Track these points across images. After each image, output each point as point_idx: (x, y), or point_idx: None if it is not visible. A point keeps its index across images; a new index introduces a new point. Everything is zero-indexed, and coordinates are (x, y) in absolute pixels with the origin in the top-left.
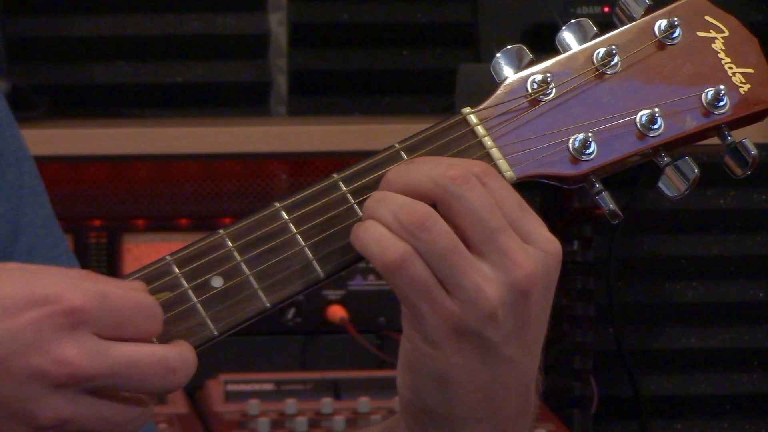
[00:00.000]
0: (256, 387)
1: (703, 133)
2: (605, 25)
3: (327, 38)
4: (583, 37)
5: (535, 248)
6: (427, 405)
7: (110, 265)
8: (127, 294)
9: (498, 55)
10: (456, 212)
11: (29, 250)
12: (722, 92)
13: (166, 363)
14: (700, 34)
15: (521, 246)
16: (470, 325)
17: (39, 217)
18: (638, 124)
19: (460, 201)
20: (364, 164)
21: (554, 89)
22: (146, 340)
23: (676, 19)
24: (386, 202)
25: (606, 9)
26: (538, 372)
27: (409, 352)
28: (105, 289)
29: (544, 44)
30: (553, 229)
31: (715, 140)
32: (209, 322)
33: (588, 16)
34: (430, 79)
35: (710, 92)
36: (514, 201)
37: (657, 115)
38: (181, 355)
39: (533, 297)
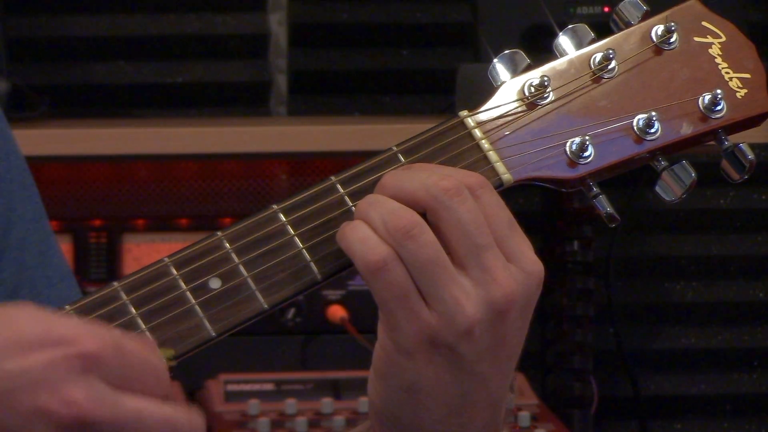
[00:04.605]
0: (256, 387)
1: (699, 138)
2: (605, 24)
3: (327, 38)
4: (579, 42)
5: (517, 268)
6: (396, 413)
7: (110, 265)
8: (142, 351)
9: (495, 60)
10: (444, 223)
11: (21, 244)
12: (719, 97)
13: (173, 424)
14: (697, 39)
15: (504, 265)
16: (445, 339)
17: (29, 211)
18: (635, 128)
19: (450, 212)
20: (361, 167)
21: (551, 93)
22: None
23: (673, 24)
24: (377, 205)
25: (606, 9)
26: (508, 391)
27: (382, 359)
28: (121, 341)
29: (544, 45)
30: (553, 229)
31: (713, 142)
32: (207, 323)
33: (588, 16)
34: (430, 79)
35: (707, 97)
36: (504, 218)
37: (654, 119)
38: (189, 420)
39: (510, 316)
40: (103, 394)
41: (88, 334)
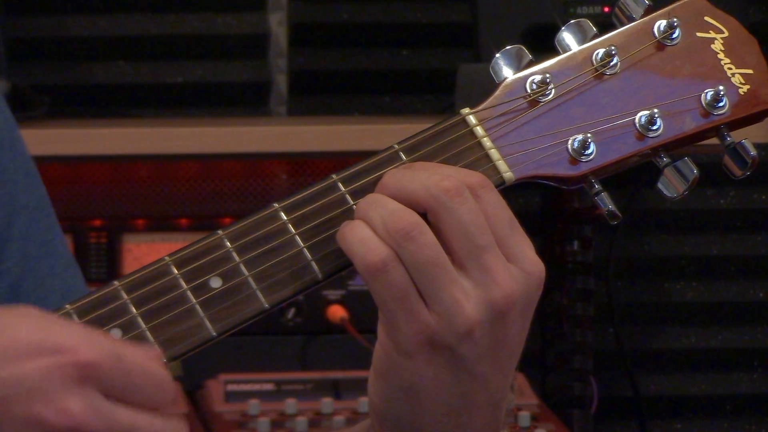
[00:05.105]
0: (256, 387)
1: (702, 134)
2: (605, 25)
3: (327, 38)
4: (582, 38)
5: (518, 268)
6: (395, 414)
7: (110, 265)
8: (142, 361)
9: (497, 55)
10: (445, 224)
11: (24, 234)
12: (721, 93)
13: None
14: (699, 34)
15: (504, 265)
16: (445, 340)
17: (33, 200)
18: (637, 125)
19: (450, 213)
20: (362, 165)
21: (553, 90)
22: (151, 409)
23: (675, 19)
24: (377, 205)
25: (606, 9)
26: (509, 391)
27: (382, 359)
28: (122, 351)
29: (544, 44)
30: (553, 229)
31: (714, 140)
32: (208, 322)
33: (588, 16)
34: (430, 79)
35: (709, 93)
36: (505, 218)
37: (656, 115)
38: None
39: (511, 317)
40: (98, 405)
41: (86, 343)
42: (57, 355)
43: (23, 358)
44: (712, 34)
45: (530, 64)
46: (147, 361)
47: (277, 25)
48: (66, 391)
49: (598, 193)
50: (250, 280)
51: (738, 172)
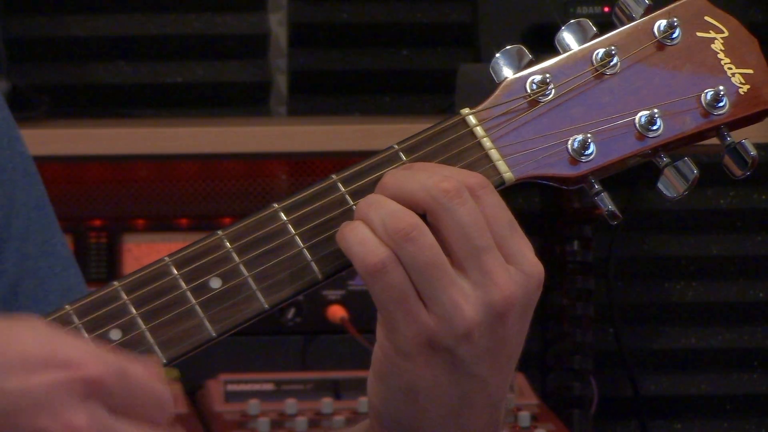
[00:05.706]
0: (256, 387)
1: (702, 134)
2: (605, 25)
3: (327, 38)
4: (582, 37)
5: (517, 270)
6: (394, 415)
7: (110, 265)
8: (145, 377)
9: (497, 55)
10: (444, 225)
11: (23, 234)
12: (721, 93)
13: None
14: (699, 34)
15: (504, 267)
16: (444, 341)
17: (32, 199)
18: (637, 125)
19: (450, 214)
20: (362, 165)
21: (553, 90)
22: (151, 425)
23: (675, 19)
24: (377, 206)
25: (606, 9)
26: (508, 391)
27: (381, 361)
28: (126, 367)
29: (544, 44)
30: (553, 229)
31: (715, 140)
32: (207, 323)
33: (588, 16)
34: (430, 79)
35: (709, 93)
36: (505, 219)
37: (656, 115)
38: None
39: (510, 319)
40: (102, 420)
41: (93, 359)
42: (64, 370)
43: (30, 372)
44: (712, 34)
45: (530, 63)
46: (149, 378)
47: (277, 25)
48: (71, 406)
49: (598, 194)
50: (250, 280)
51: (738, 172)
